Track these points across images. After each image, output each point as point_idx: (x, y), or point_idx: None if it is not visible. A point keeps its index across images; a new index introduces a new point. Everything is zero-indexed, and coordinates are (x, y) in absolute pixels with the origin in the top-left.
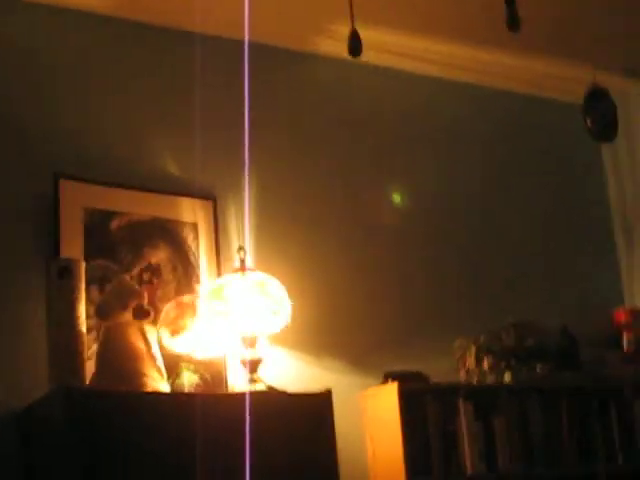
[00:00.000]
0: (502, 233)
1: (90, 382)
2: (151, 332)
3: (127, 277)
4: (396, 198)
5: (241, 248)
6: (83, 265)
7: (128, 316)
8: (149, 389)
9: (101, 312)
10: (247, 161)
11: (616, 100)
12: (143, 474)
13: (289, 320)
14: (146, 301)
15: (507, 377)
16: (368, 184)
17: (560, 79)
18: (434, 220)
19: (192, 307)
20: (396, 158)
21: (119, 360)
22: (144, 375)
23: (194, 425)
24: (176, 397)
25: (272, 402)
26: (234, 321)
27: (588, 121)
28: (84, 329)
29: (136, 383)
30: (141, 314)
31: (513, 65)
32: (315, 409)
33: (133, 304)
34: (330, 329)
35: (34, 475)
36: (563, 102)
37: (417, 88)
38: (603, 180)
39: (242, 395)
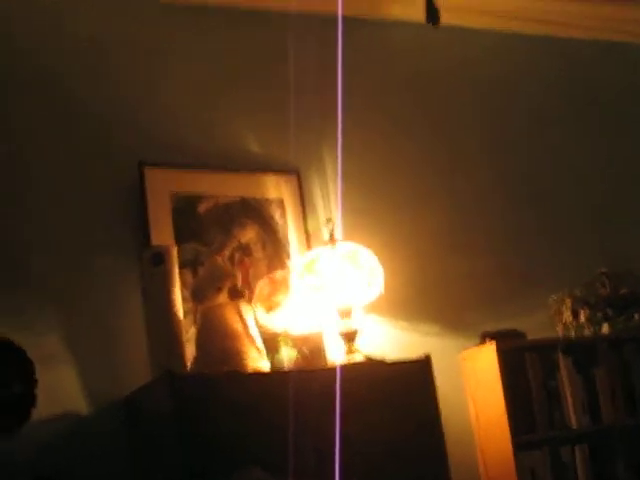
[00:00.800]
0: (590, 183)
1: (190, 366)
2: (247, 311)
3: (219, 259)
4: None
5: (329, 220)
6: (175, 250)
7: (223, 297)
8: (249, 369)
9: (196, 296)
10: (340, 132)
11: None
12: (249, 453)
13: (383, 289)
14: (239, 281)
15: (605, 328)
16: (456, 148)
17: (632, 22)
18: (523, 176)
19: (285, 283)
20: (483, 119)
21: (218, 342)
22: (243, 355)
23: (295, 401)
24: (275, 375)
25: (371, 372)
26: (328, 294)
27: None
28: (181, 313)
29: (236, 363)
30: (235, 294)
31: (587, 12)
32: (415, 376)
33: (227, 285)
34: (423, 294)
35: (140, 461)
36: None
37: (506, 46)
38: None
39: (341, 367)
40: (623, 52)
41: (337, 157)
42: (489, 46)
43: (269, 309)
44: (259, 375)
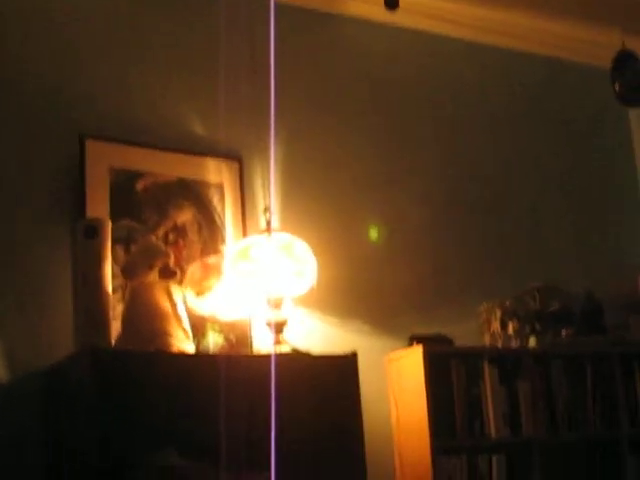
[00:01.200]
0: (529, 197)
1: (116, 342)
2: (177, 292)
3: (153, 237)
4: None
5: (267, 209)
6: (109, 225)
7: (154, 276)
8: (174, 349)
9: (127, 272)
10: (273, 121)
11: None
12: (166, 434)
13: (314, 282)
14: (172, 261)
15: (532, 342)
16: (395, 142)
17: (588, 43)
18: (460, 183)
19: (217, 268)
20: (422, 118)
21: (145, 320)
22: (169, 335)
23: (219, 386)
24: (201, 358)
25: (297, 364)
26: (260, 282)
27: (616, 85)
28: (110, 289)
29: (161, 343)
30: (167, 274)
31: (541, 28)
32: (340, 371)
33: (159, 264)
34: (356, 291)
35: (57, 433)
36: (591, 66)
37: (442, 49)
38: (630, 145)
39: (267, 356)
40: (574, 70)
41: (271, 146)
42: (443, 52)
43: (199, 293)
44: (184, 356)
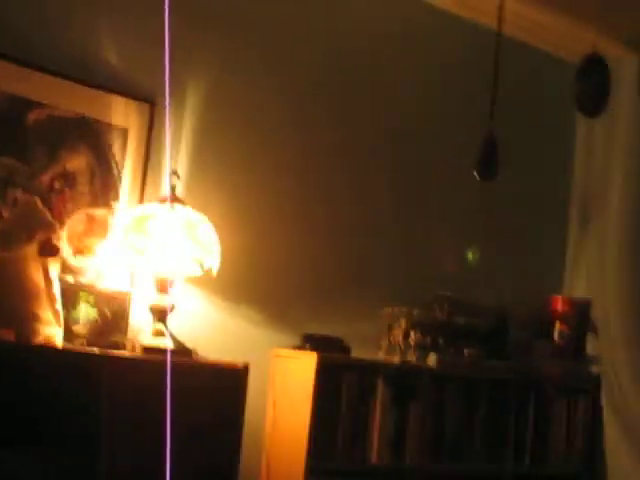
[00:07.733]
0: (446, 200)
1: None
2: (54, 267)
3: (39, 202)
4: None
5: (175, 172)
6: None
7: (32, 250)
8: (40, 337)
9: (1, 241)
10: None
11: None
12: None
13: (214, 271)
14: (56, 236)
15: (431, 359)
16: (316, 118)
17: (559, 35)
18: (373, 178)
19: (103, 225)
20: (357, 91)
21: (12, 300)
22: (37, 319)
23: (92, 385)
24: (68, 354)
25: (179, 366)
26: (150, 261)
27: (577, 89)
28: None
29: (27, 328)
30: (48, 251)
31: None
32: (228, 381)
33: (41, 237)
34: (252, 277)
35: None
36: (555, 57)
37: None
38: (571, 154)
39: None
40: (539, 59)
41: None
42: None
43: (78, 251)
44: (47, 349)
